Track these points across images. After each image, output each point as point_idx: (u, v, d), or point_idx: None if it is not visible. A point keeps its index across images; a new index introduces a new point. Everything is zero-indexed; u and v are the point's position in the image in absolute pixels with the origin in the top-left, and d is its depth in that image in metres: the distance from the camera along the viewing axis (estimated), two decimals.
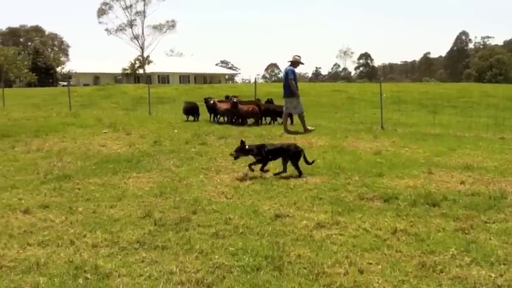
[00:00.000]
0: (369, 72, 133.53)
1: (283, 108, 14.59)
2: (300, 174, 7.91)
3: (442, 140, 11.93)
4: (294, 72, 14.27)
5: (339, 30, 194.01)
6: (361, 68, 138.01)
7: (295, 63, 14.43)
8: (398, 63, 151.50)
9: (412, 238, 5.09)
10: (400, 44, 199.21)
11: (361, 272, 4.26)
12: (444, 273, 4.22)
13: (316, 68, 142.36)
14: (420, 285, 4.03)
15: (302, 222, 5.61)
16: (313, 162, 8.25)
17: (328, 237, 5.15)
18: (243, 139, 8.34)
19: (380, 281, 4.08)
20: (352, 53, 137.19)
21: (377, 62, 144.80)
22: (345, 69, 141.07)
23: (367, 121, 16.32)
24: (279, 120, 16.08)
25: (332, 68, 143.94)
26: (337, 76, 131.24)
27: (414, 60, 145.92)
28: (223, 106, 16.12)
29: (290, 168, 8.06)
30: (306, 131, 13.53)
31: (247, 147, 8.12)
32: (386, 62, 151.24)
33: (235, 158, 8.15)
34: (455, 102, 25.34)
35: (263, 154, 8.03)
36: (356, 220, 5.68)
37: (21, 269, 4.37)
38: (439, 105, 22.49)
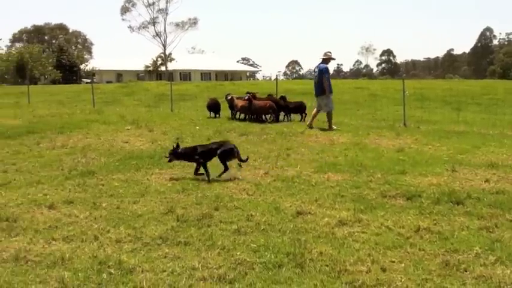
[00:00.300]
0: (391, 68, 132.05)
1: (316, 106, 14.40)
2: (225, 171, 7.71)
3: (466, 138, 11.77)
4: (328, 70, 14.19)
5: (360, 26, 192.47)
6: (383, 65, 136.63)
7: (328, 59, 14.30)
8: (421, 59, 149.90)
9: (435, 236, 5.05)
10: (423, 40, 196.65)
11: (383, 270, 4.24)
12: (468, 272, 4.18)
13: (338, 64, 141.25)
14: (444, 284, 4.00)
15: (324, 220, 5.60)
16: (247, 159, 8.09)
17: (350, 234, 5.13)
18: (178, 142, 8.20)
19: (403, 279, 4.05)
20: (374, 49, 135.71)
21: (399, 59, 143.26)
22: (366, 66, 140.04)
23: (389, 118, 16.17)
24: (293, 117, 16.09)
25: (354, 65, 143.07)
26: (359, 73, 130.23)
27: (437, 57, 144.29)
28: (240, 103, 16.10)
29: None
30: (330, 129, 13.47)
31: (180, 150, 7.98)
32: (409, 59, 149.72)
33: (169, 160, 8.10)
34: (480, 99, 24.94)
35: (196, 157, 7.82)
36: (378, 218, 5.65)
37: (46, 264, 4.44)
38: (463, 103, 22.16)
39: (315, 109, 14.32)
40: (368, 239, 4.99)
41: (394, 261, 4.43)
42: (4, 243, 4.95)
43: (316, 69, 14.44)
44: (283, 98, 16.64)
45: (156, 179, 7.75)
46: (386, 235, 5.12)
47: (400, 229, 5.28)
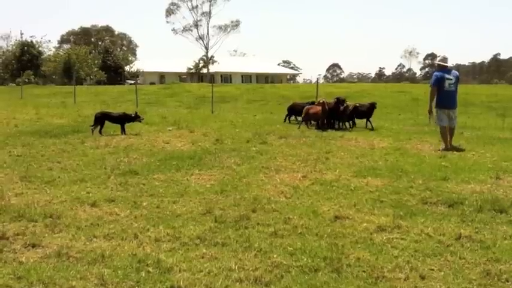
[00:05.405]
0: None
1: (443, 120, 11.04)
2: None
3: (511, 145, 11.43)
4: None
5: (404, 29, 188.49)
6: (426, 69, 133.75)
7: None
8: (466, 64, 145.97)
9: (477, 245, 4.92)
10: (468, 44, 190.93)
11: (422, 277, 4.17)
12: (510, 282, 4.07)
13: (380, 68, 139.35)
14: None
15: (362, 225, 5.55)
16: None
17: (389, 241, 5.06)
18: None
19: None
20: (417, 53, 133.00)
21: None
22: (409, 69, 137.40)
23: (432, 123, 15.85)
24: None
25: (396, 69, 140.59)
26: (402, 77, 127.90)
27: (483, 61, 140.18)
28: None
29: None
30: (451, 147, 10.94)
31: None
32: (454, 63, 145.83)
33: None
34: None
35: None
36: (418, 224, 5.55)
37: (87, 260, 4.52)
38: (509, 108, 21.38)
39: (443, 125, 11.05)
40: (407, 246, 4.91)
41: (433, 269, 4.35)
42: (47, 239, 5.09)
43: (452, 77, 11.04)
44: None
45: (196, 180, 7.83)
46: (426, 242, 5.03)
47: (441, 237, 5.18)
